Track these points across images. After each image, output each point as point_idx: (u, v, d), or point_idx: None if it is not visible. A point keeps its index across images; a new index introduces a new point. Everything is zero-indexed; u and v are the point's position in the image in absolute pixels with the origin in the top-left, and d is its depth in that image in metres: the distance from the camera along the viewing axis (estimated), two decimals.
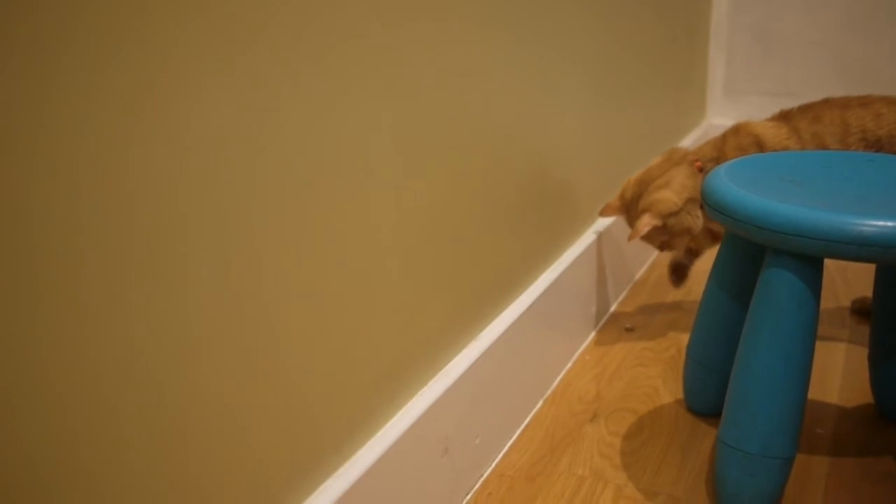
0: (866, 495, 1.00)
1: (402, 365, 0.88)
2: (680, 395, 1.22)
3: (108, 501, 0.56)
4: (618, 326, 1.44)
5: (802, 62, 2.03)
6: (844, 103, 1.27)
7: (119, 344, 0.55)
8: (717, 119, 2.12)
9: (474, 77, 0.95)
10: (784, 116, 1.30)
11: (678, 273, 1.43)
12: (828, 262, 1.55)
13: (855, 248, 0.83)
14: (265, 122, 0.65)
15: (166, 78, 0.56)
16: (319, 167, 0.71)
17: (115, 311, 0.54)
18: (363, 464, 0.80)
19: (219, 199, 0.61)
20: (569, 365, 1.31)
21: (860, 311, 1.45)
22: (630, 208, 1.31)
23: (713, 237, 1.40)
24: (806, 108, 1.29)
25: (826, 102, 1.28)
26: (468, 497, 1.01)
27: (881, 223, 0.83)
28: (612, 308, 1.51)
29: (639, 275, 1.65)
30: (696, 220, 1.28)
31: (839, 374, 1.27)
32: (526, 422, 1.16)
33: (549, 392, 1.23)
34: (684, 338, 1.39)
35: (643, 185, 1.29)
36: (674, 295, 1.55)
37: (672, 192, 1.26)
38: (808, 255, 0.88)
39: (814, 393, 1.22)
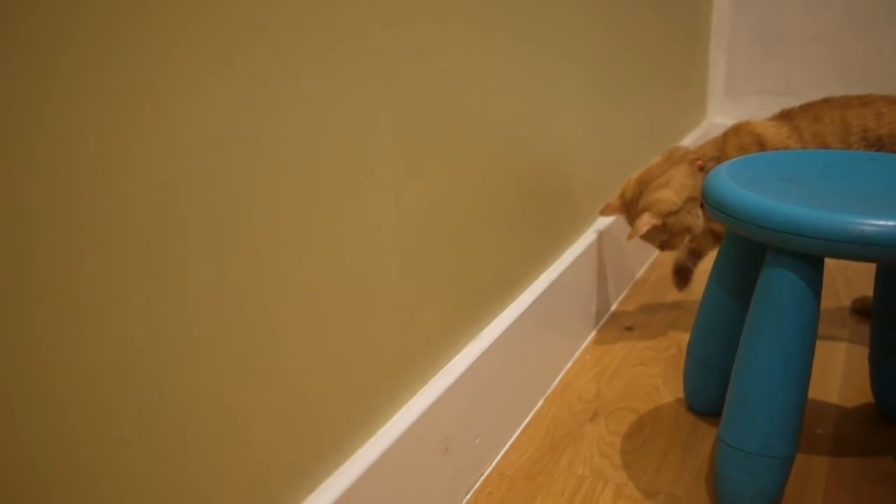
0: (866, 495, 1.00)
1: (402, 364, 0.88)
2: (680, 394, 1.22)
3: (108, 501, 0.56)
4: (618, 326, 1.44)
5: (803, 62, 2.03)
6: (845, 102, 1.27)
7: (119, 344, 0.55)
8: (718, 118, 2.12)
9: (474, 77, 0.95)
10: (785, 116, 1.30)
11: (682, 276, 1.43)
12: (828, 261, 1.55)
13: (855, 248, 0.83)
14: (265, 122, 0.65)
15: (166, 78, 0.56)
16: (319, 167, 0.71)
17: (115, 311, 0.54)
18: (364, 463, 0.80)
19: (219, 199, 0.61)
20: (569, 364, 1.31)
21: (861, 310, 1.45)
22: (630, 207, 1.31)
23: (715, 238, 1.40)
24: (807, 108, 1.29)
25: (827, 102, 1.28)
26: (468, 496, 1.01)
27: (882, 222, 0.83)
28: (613, 307, 1.51)
29: (639, 274, 1.65)
30: (696, 219, 1.28)
31: (839, 373, 1.27)
32: (526, 421, 1.16)
33: (549, 391, 1.23)
34: (685, 337, 1.39)
35: (643, 185, 1.29)
36: (674, 294, 1.55)
37: (672, 192, 1.26)
38: (808, 255, 0.88)
39: (814, 393, 1.22)
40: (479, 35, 0.95)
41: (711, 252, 1.43)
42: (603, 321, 1.45)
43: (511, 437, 1.12)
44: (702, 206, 1.29)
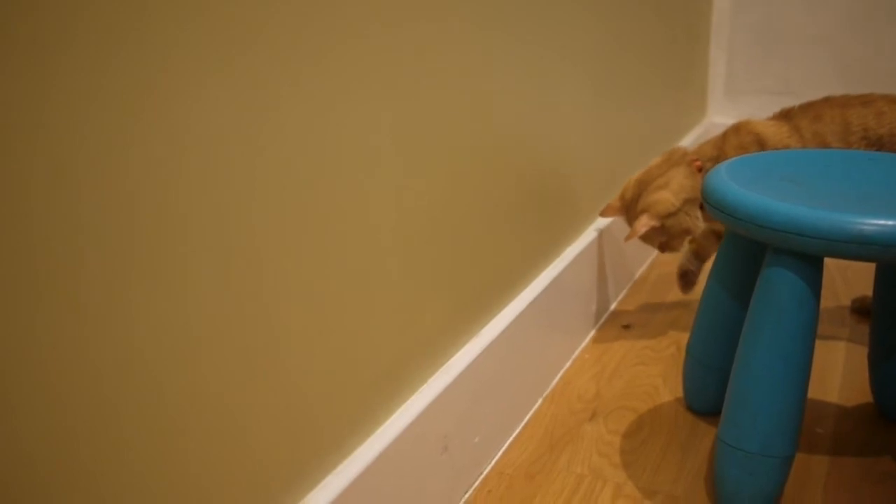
0: (866, 495, 1.00)
1: (401, 363, 0.88)
2: (680, 393, 1.22)
3: (108, 501, 0.56)
4: (617, 325, 1.44)
5: (803, 61, 2.03)
6: (845, 102, 1.27)
7: (119, 344, 0.55)
8: (718, 118, 2.12)
9: (474, 77, 0.95)
10: (785, 115, 1.30)
11: (686, 279, 1.42)
12: (828, 261, 1.55)
13: (855, 247, 0.83)
14: (265, 122, 0.65)
15: (166, 78, 0.56)
16: (319, 167, 0.71)
17: (115, 311, 0.54)
18: (363, 461, 0.80)
19: (219, 199, 0.61)
20: (568, 363, 1.31)
21: (860, 310, 1.45)
22: (630, 209, 1.31)
23: (718, 239, 1.40)
24: (807, 107, 1.29)
25: (827, 101, 1.28)
26: (467, 495, 1.01)
27: (881, 222, 0.83)
28: (613, 306, 1.51)
29: (639, 273, 1.65)
30: (694, 221, 1.28)
31: (839, 373, 1.27)
32: (525, 420, 1.16)
33: (548, 390, 1.23)
34: (684, 336, 1.39)
35: (643, 186, 1.29)
36: (674, 293, 1.55)
37: (670, 193, 1.26)
38: (808, 254, 0.88)
39: (813, 392, 1.22)
40: (479, 35, 0.95)
41: (715, 253, 1.42)
42: (602, 320, 1.45)
43: (510, 435, 1.12)
44: (701, 207, 1.29)
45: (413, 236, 0.87)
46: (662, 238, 1.30)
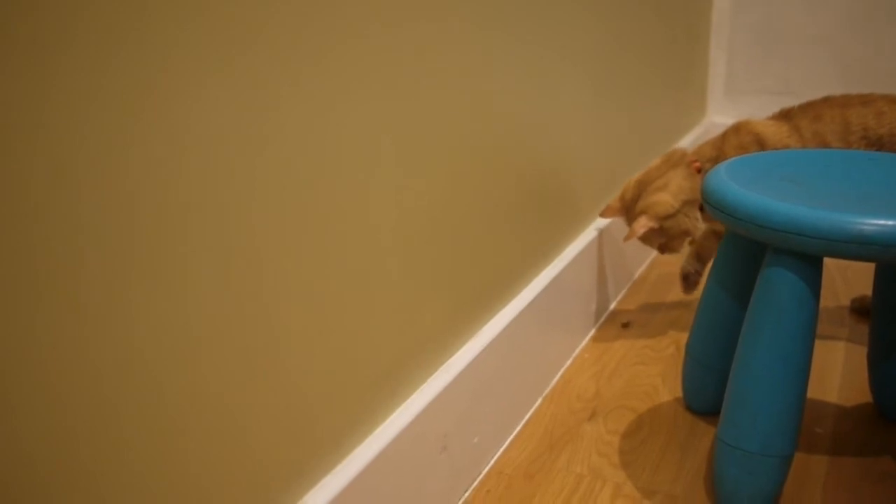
0: (865, 494, 1.00)
1: (401, 363, 0.88)
2: (679, 393, 1.22)
3: (108, 501, 0.56)
4: (617, 324, 1.44)
5: (803, 61, 2.03)
6: (845, 102, 1.27)
7: (119, 344, 0.55)
8: (718, 118, 2.12)
9: (474, 77, 0.95)
10: (785, 115, 1.30)
11: (688, 281, 1.42)
12: (828, 261, 1.55)
13: (855, 247, 0.83)
14: (265, 122, 0.65)
15: (166, 78, 0.56)
16: (319, 167, 0.71)
17: (115, 311, 0.54)
18: (362, 461, 0.80)
19: (219, 199, 0.61)
20: (568, 363, 1.31)
21: (860, 310, 1.45)
22: (630, 209, 1.31)
23: (719, 240, 1.39)
24: (807, 107, 1.29)
25: (827, 101, 1.28)
26: (466, 494, 1.01)
27: (881, 222, 0.83)
28: (612, 306, 1.51)
29: (639, 273, 1.65)
30: (693, 222, 1.28)
31: (838, 373, 1.27)
32: (525, 419, 1.16)
33: (548, 390, 1.23)
34: (684, 336, 1.39)
35: (643, 187, 1.29)
36: (674, 293, 1.55)
37: (669, 195, 1.26)
38: (808, 254, 0.88)
39: (813, 392, 1.22)
40: (479, 35, 0.95)
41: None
42: (602, 319, 1.45)
43: (509, 435, 1.12)
44: (701, 208, 1.29)
45: (413, 236, 0.87)
46: (662, 239, 1.30)
